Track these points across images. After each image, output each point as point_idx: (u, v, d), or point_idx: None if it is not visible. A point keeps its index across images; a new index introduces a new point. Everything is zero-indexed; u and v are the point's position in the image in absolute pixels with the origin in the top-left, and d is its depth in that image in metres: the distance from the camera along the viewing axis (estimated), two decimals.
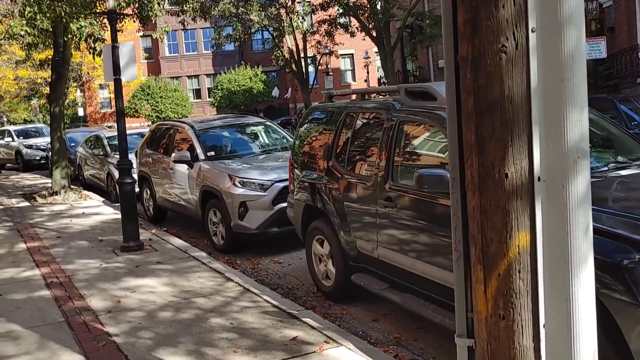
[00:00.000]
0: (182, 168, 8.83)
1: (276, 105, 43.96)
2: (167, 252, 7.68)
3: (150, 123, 41.33)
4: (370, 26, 19.49)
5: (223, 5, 24.86)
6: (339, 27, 24.29)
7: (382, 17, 16.70)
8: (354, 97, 6.25)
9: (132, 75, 8.27)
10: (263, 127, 9.83)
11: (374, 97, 5.99)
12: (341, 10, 21.38)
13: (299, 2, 26.39)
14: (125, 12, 12.19)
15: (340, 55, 35.45)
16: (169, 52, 46.67)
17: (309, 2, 24.54)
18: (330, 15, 23.72)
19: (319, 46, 27.29)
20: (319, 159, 6.03)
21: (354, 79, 44.09)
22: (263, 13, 25.38)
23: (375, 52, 39.73)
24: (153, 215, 10.36)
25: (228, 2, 25.14)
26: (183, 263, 7.05)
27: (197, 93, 47.14)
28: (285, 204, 7.55)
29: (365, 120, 5.53)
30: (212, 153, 8.77)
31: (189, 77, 46.90)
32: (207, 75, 46.88)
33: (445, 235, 4.09)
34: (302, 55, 26.80)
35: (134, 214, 7.91)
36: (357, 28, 22.48)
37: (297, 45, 26.33)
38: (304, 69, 26.81)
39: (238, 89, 40.61)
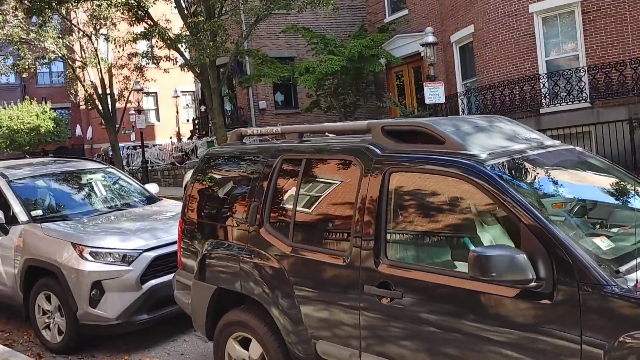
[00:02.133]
0: None
1: (69, 146, 39.17)
2: None
3: None
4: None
5: (10, 28, 21.04)
6: (154, 61, 22.03)
7: (211, 53, 15.09)
8: (291, 134, 4.67)
9: None
10: (104, 174, 7.56)
11: (311, 136, 4.46)
12: (160, 44, 19.29)
13: (103, 35, 23.51)
14: None
15: (143, 93, 32.85)
16: None
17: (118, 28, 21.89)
18: (139, 51, 21.41)
19: (126, 81, 24.56)
20: (237, 224, 4.28)
21: (157, 118, 41.28)
22: (62, 41, 22.03)
23: (182, 92, 37.77)
24: None
25: (16, 25, 21.36)
26: None
27: None
28: (157, 281, 5.58)
29: (318, 170, 3.97)
30: (39, 212, 6.33)
31: None
32: None
33: (498, 342, 2.77)
34: (107, 91, 23.82)
35: None
36: (173, 63, 20.55)
37: (102, 80, 23.32)
38: (109, 106, 23.80)
39: (22, 127, 35.18)
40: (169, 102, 36.81)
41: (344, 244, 3.60)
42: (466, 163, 3.13)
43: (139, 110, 22.69)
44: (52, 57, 23.52)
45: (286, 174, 4.10)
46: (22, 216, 6.20)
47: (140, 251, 5.62)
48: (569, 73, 14.42)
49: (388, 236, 3.38)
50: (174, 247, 5.75)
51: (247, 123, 23.93)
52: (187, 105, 40.04)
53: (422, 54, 19.78)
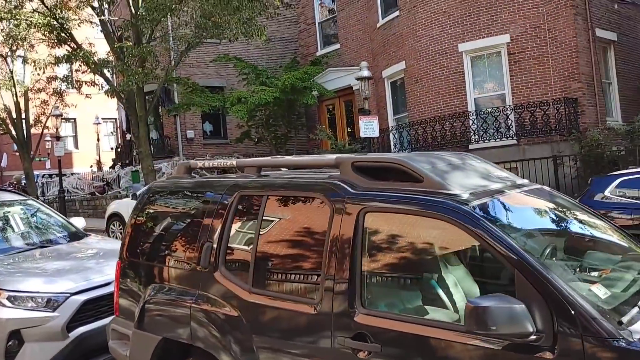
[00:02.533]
0: None
1: None
2: None
3: None
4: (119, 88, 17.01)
5: None
6: (74, 86, 20.97)
7: (140, 79, 14.45)
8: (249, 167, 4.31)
9: None
10: (22, 207, 6.83)
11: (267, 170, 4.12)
12: (83, 68, 18.35)
13: (20, 56, 22.19)
14: None
15: (62, 119, 31.27)
16: None
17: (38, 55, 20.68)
18: (59, 75, 20.34)
19: (44, 106, 23.20)
20: (186, 267, 3.85)
21: (76, 146, 39.38)
22: None
23: (103, 119, 36.24)
24: None
25: None
26: None
27: None
28: (86, 328, 5.02)
29: (280, 209, 3.64)
30: None
31: None
32: None
33: None
34: (22, 115, 22.38)
35: None
36: (99, 88, 19.62)
37: (17, 104, 21.89)
38: (24, 132, 22.32)
39: None
40: (89, 129, 35.18)
41: (313, 290, 3.27)
42: (450, 204, 2.92)
43: (58, 137, 21.40)
44: None
45: (244, 212, 3.75)
46: None
47: (68, 294, 5.02)
48: (496, 111, 14.89)
49: (364, 281, 3.09)
50: (107, 290, 5.22)
51: (174, 153, 23.17)
52: (111, 132, 38.47)
53: (355, 88, 19.99)
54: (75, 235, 6.63)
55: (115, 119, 39.09)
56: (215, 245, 3.70)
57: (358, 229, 3.14)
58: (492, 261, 2.91)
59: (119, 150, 26.66)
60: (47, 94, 22.95)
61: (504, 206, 3.16)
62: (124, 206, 15.36)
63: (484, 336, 2.53)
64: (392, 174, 3.29)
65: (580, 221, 3.60)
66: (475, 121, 15.13)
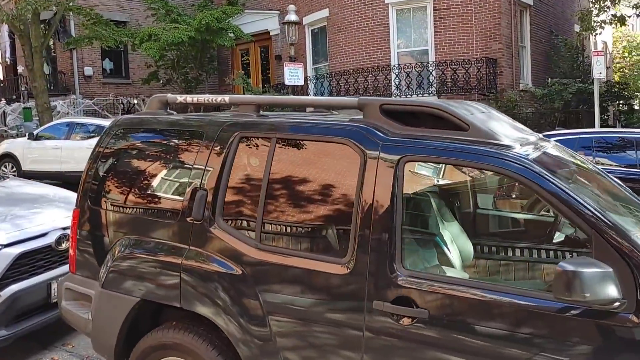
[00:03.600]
0: None
1: None
2: None
3: None
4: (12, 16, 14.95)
5: None
6: None
7: (41, 4, 12.80)
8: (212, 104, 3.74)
9: None
10: None
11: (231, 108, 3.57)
12: None
13: None
14: None
15: None
16: None
17: None
18: None
19: None
20: (170, 218, 3.29)
21: None
22: None
23: None
24: None
25: None
26: None
27: None
28: (20, 285, 4.35)
29: (293, 154, 3.15)
30: None
31: None
32: None
33: None
34: None
35: None
36: None
37: None
38: None
39: None
40: None
41: (339, 248, 2.87)
42: (512, 156, 2.61)
43: None
44: None
45: (246, 157, 3.23)
46: None
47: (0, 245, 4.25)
48: (419, 66, 14.89)
49: (404, 239, 2.74)
50: (43, 241, 4.52)
51: (70, 90, 21.23)
52: None
53: (272, 33, 19.22)
54: None
55: None
56: (210, 194, 3.18)
57: (397, 181, 2.77)
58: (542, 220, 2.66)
59: (1, 84, 24.01)
60: None
61: (554, 160, 2.92)
62: (19, 147, 13.83)
63: (570, 302, 2.29)
64: (426, 121, 2.94)
65: (609, 178, 3.45)
66: (398, 75, 15.06)
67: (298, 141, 3.13)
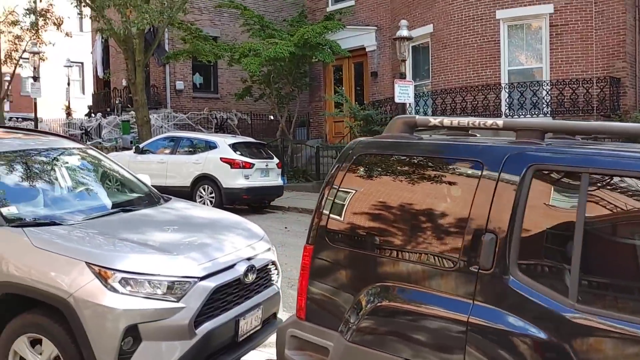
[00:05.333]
0: None
1: None
2: None
3: None
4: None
5: None
6: (54, 22, 18.88)
7: (155, 18, 12.79)
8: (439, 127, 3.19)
9: None
10: (81, 156, 5.44)
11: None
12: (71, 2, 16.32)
13: None
14: None
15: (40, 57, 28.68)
16: None
17: None
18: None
19: (18, 42, 20.93)
20: (449, 264, 2.74)
21: (83, 91, 36.57)
22: None
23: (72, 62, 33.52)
24: None
25: None
26: None
27: None
28: (214, 323, 3.91)
29: (609, 192, 2.56)
30: (15, 211, 4.22)
31: None
32: None
33: None
34: None
35: None
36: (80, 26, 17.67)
37: None
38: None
39: None
40: (52, 72, 32.51)
41: None
42: None
43: (35, 77, 19.28)
44: None
45: (545, 194, 2.66)
46: None
47: (195, 279, 3.81)
48: (534, 84, 14.05)
49: None
50: (232, 274, 4.08)
51: (161, 104, 21.46)
52: (78, 78, 35.80)
53: (368, 50, 18.80)
54: (152, 198, 5.34)
55: (82, 63, 36.48)
56: (501, 239, 2.61)
57: None
58: None
59: (98, 97, 24.62)
60: (22, 29, 20.68)
61: None
62: (124, 160, 13.80)
63: None
64: None
65: None
66: (510, 94, 14.27)
67: (621, 178, 2.52)
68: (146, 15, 12.57)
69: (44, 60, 20.46)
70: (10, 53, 21.21)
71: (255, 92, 19.09)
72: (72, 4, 16.46)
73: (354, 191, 3.15)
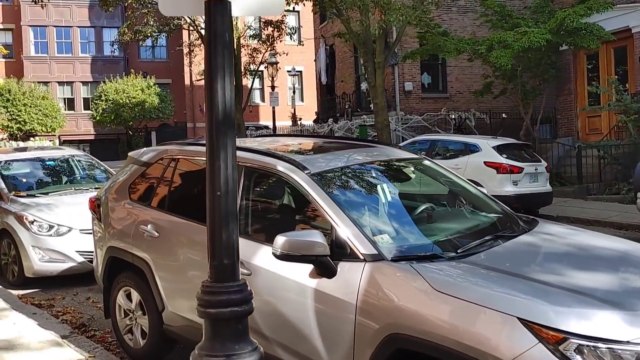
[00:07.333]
0: None
1: (171, 124, 37.59)
2: None
3: (6, 136, 32.84)
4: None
5: None
6: (292, 33, 19.37)
7: (412, 15, 12.01)
8: None
9: None
10: (417, 168, 4.62)
11: None
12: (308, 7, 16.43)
13: None
14: None
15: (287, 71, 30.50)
16: (35, 51, 38.31)
17: None
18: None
19: (255, 54, 21.99)
20: None
21: (262, 98, 38.99)
22: None
23: (296, 71, 35.06)
24: None
25: None
26: None
27: (70, 103, 39.13)
28: None
29: None
30: (389, 242, 3.46)
31: (60, 83, 38.77)
32: (84, 83, 39.15)
33: None
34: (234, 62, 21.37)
35: None
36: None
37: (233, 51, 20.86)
38: (241, 82, 21.29)
39: (127, 101, 33.64)
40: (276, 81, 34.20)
41: None
42: None
43: (273, 87, 20.00)
44: (175, 25, 21.22)
45: None
46: (363, 246, 3.33)
47: None
48: None
49: None
50: None
51: (390, 106, 20.85)
52: (297, 85, 37.34)
53: (634, 30, 16.09)
54: (512, 219, 4.26)
55: (301, 72, 37.99)
56: None
57: None
58: None
59: (323, 102, 25.06)
60: (260, 41, 21.68)
61: None
62: None
63: None
64: None
65: None
66: None
67: None
68: (400, 11, 11.84)
69: (278, 70, 21.19)
70: (249, 65, 22.35)
71: (495, 89, 17.53)
72: (311, 10, 16.52)
73: None
